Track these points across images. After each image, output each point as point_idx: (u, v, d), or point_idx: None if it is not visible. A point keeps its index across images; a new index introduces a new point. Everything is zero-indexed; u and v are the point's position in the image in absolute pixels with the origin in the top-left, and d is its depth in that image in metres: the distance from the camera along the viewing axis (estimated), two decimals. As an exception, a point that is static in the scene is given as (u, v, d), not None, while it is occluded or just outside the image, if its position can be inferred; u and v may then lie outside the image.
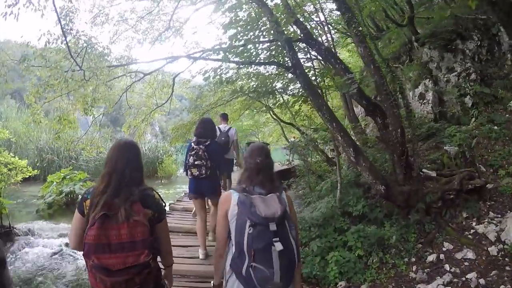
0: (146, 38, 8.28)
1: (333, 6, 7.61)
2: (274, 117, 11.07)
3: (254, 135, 16.94)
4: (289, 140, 13.29)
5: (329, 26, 7.94)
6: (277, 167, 13.56)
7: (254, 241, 1.47)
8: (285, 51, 4.87)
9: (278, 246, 1.45)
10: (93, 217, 1.48)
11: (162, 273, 1.76)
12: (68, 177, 8.61)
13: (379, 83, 4.10)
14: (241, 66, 5.09)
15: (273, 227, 1.48)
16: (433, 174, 4.47)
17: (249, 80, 7.13)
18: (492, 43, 6.86)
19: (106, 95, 6.80)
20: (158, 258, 1.70)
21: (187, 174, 3.55)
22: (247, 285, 1.53)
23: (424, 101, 6.85)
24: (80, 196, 1.72)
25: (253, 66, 5.30)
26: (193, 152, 3.41)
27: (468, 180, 4.22)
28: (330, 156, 9.06)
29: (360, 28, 4.32)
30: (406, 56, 7.97)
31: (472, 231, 4.06)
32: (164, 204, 1.74)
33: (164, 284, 1.76)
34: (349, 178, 5.06)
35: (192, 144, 3.49)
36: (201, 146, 3.42)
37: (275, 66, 5.62)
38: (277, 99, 10.41)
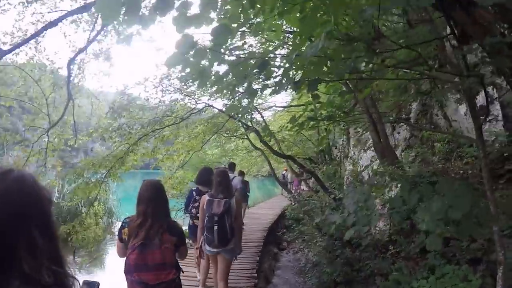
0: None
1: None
2: (258, 145, 7.66)
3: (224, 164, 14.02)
4: (282, 174, 13.13)
5: None
6: (269, 214, 10.38)
7: (207, 223, 3.02)
8: None
9: (215, 228, 2.96)
10: (133, 245, 1.95)
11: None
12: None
13: None
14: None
15: (215, 218, 2.97)
16: None
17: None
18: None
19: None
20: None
21: (190, 222, 4.03)
22: (206, 243, 3.08)
23: (490, 118, 4.64)
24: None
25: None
26: (196, 204, 3.68)
27: None
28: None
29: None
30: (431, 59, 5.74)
31: None
32: (183, 231, 2.24)
33: None
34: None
35: (194, 193, 3.85)
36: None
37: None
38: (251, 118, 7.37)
